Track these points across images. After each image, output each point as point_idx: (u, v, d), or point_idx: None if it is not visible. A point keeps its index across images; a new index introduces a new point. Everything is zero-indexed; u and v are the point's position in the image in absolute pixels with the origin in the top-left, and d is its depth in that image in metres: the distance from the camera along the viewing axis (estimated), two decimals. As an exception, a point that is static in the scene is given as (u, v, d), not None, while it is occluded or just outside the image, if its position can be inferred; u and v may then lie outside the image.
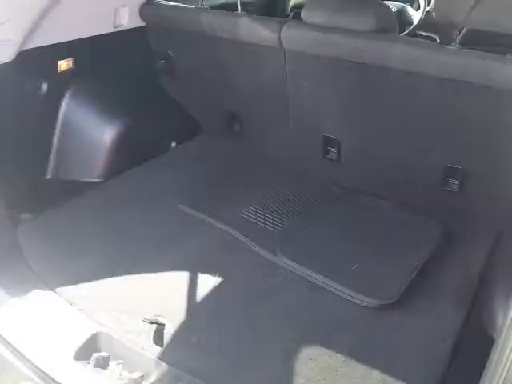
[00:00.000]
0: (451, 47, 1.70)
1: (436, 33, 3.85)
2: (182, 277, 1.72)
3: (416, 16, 3.88)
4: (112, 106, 2.29)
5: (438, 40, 3.72)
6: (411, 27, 3.79)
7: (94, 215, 2.02)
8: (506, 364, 0.89)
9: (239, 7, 2.11)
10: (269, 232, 1.95)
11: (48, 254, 1.79)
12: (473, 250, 1.90)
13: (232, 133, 2.58)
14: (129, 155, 2.31)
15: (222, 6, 2.42)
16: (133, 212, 2.04)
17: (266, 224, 1.99)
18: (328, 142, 2.27)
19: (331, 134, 2.22)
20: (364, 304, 1.61)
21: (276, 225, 1.99)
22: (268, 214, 2.06)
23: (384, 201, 2.15)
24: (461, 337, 1.51)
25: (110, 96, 2.30)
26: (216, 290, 1.67)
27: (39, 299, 1.60)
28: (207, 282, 1.70)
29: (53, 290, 1.62)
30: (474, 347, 1.46)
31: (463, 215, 2.03)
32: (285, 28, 1.97)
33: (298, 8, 3.11)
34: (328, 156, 2.31)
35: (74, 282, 1.66)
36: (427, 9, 4.01)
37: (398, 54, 1.78)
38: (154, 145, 2.48)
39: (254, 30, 2.04)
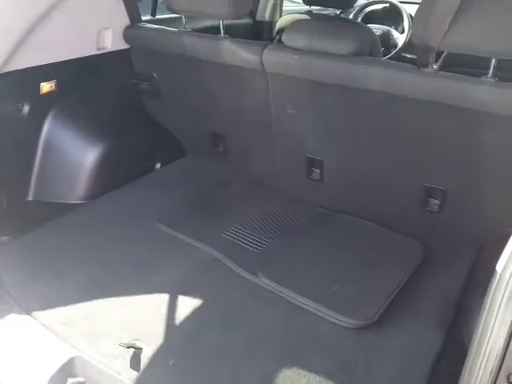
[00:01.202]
0: (428, 70, 1.73)
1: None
2: (161, 299, 1.71)
3: (400, 39, 3.96)
4: (95, 127, 2.29)
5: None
6: (396, 50, 3.87)
7: (74, 237, 2.01)
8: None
9: (221, 30, 2.13)
10: (251, 253, 1.95)
11: (25, 276, 1.77)
12: (453, 269, 1.90)
13: (216, 154, 2.59)
14: (111, 177, 2.31)
15: (205, 30, 2.44)
16: (113, 234, 2.03)
17: (248, 244, 1.99)
18: (311, 163, 2.28)
19: (314, 154, 2.24)
20: (343, 324, 1.60)
21: (258, 245, 1.99)
22: (250, 234, 2.06)
23: (366, 221, 2.16)
24: (440, 356, 1.51)
25: (93, 118, 2.30)
26: (195, 313, 1.65)
27: (15, 323, 1.57)
28: (186, 305, 1.68)
29: (29, 314, 1.60)
30: (453, 366, 1.46)
31: (444, 234, 2.04)
32: (266, 51, 1.99)
33: (283, 31, 3.15)
34: (311, 176, 2.32)
35: (51, 306, 1.63)
36: (412, 31, 4.09)
37: (376, 76, 1.80)
38: (137, 166, 2.48)
39: (236, 53, 2.06)
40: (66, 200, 2.21)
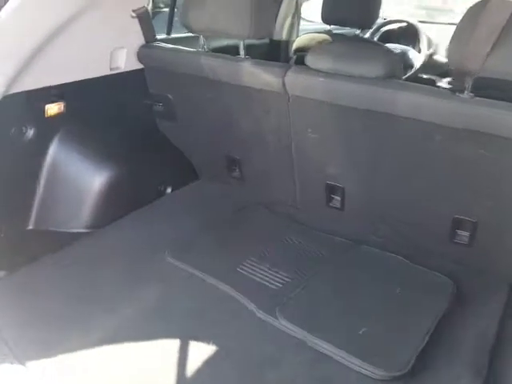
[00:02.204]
0: (463, 95, 1.61)
1: (438, 75, 3.85)
2: (170, 348, 1.54)
3: (418, 59, 3.87)
4: (104, 151, 2.18)
5: (443, 85, 3.73)
6: (413, 70, 3.78)
7: (77, 272, 1.86)
8: None
9: (241, 51, 2.02)
10: (268, 290, 1.81)
11: (22, 319, 1.62)
12: (486, 309, 1.76)
13: (231, 179, 2.47)
14: (119, 203, 2.19)
15: (222, 49, 2.34)
16: (119, 269, 1.89)
17: (266, 280, 1.85)
18: (331, 190, 2.16)
19: (335, 181, 2.12)
20: (373, 376, 1.46)
21: (276, 281, 1.85)
22: (268, 268, 1.92)
23: (390, 253, 2.02)
24: None
25: (103, 141, 2.19)
26: (209, 364, 1.50)
27: (8, 375, 1.43)
28: (199, 354, 1.53)
29: (23, 365, 1.46)
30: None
31: (474, 269, 1.90)
32: (289, 73, 1.89)
33: (301, 51, 3.05)
34: (331, 204, 2.20)
35: (49, 355, 1.49)
36: (429, 52, 4.01)
37: (406, 101, 1.69)
38: (147, 190, 2.36)
39: (257, 75, 1.95)
40: (70, 229, 2.09)
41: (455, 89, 1.63)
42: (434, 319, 1.66)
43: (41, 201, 2.05)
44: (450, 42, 1.60)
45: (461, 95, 1.62)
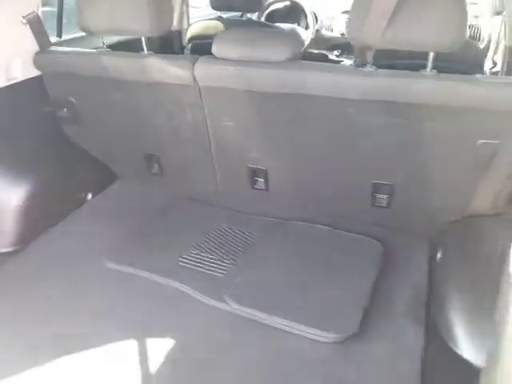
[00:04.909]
0: (367, 69, 1.73)
1: (326, 49, 4.03)
2: (123, 351, 1.55)
3: (306, 35, 4.02)
4: (13, 165, 2.08)
5: (333, 57, 3.90)
6: (304, 46, 3.91)
7: (8, 292, 1.79)
8: None
9: (144, 47, 2.00)
10: (213, 278, 1.85)
11: None
12: (414, 264, 1.93)
13: (151, 176, 2.45)
14: (42, 217, 2.10)
15: (120, 45, 2.29)
16: (55, 281, 1.83)
17: (209, 269, 1.89)
18: (254, 173, 2.23)
19: (257, 164, 2.18)
20: (326, 340, 1.56)
21: (218, 269, 1.90)
22: (208, 257, 1.96)
23: (319, 225, 2.14)
24: (426, 352, 1.52)
25: (10, 156, 2.08)
26: (168, 359, 1.52)
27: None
28: (156, 352, 1.54)
29: None
30: (440, 361, 1.47)
31: (396, 229, 2.07)
32: (197, 65, 1.90)
33: (195, 39, 3.06)
34: (256, 186, 2.27)
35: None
36: (316, 27, 4.18)
37: (315, 80, 1.77)
38: (68, 199, 2.28)
39: (165, 70, 1.94)
40: None
41: (358, 63, 1.75)
42: (370, 279, 1.80)
43: None
44: (349, 19, 1.71)
45: (364, 69, 1.73)
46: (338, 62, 3.80)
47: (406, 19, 1.57)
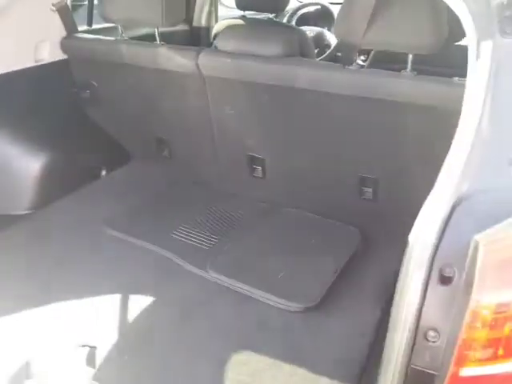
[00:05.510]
0: (352, 67, 1.86)
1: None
2: (113, 300, 1.76)
3: (334, 39, 4.14)
4: (36, 138, 2.31)
5: (360, 62, 4.00)
6: (330, 50, 4.04)
7: (22, 248, 2.02)
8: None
9: (157, 37, 2.20)
10: (200, 250, 2.03)
11: None
12: (389, 252, 2.04)
13: (161, 158, 2.65)
14: (57, 185, 2.32)
15: (142, 37, 2.50)
16: (61, 242, 2.06)
17: (197, 242, 2.07)
18: (253, 161, 2.38)
19: (255, 152, 2.34)
20: (289, 309, 1.71)
21: (207, 243, 2.07)
22: (199, 232, 2.14)
23: (307, 212, 2.28)
24: (379, 328, 1.64)
25: (34, 129, 2.31)
26: (147, 310, 1.72)
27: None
28: (138, 304, 1.75)
29: None
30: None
31: (379, 220, 2.18)
32: (201, 55, 2.08)
33: (220, 35, 3.24)
34: (254, 174, 2.43)
35: (2, 309, 1.66)
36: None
37: (304, 75, 1.92)
38: (83, 174, 2.50)
39: (173, 59, 2.14)
40: (12, 211, 2.21)
41: (344, 61, 1.88)
42: (341, 262, 1.93)
43: None
44: (336, 19, 1.85)
45: (350, 67, 1.87)
46: (363, 66, 3.90)
47: (385, 21, 1.69)
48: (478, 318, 0.86)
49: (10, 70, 2.18)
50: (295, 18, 4.54)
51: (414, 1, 1.69)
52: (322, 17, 4.46)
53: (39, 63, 2.33)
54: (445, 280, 0.94)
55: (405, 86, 1.78)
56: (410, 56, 1.77)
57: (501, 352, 0.87)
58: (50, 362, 1.49)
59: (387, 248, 2.07)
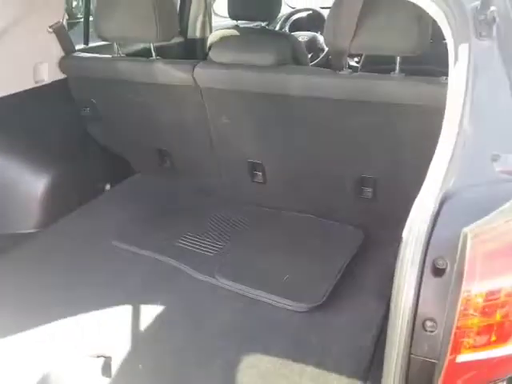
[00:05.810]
0: (342, 72, 1.92)
1: (348, 56, 4.18)
2: (125, 310, 1.81)
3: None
4: (40, 157, 2.36)
5: (353, 64, 4.05)
6: (323, 54, 4.10)
7: (32, 265, 2.07)
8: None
9: (153, 52, 2.26)
10: (206, 257, 2.08)
11: None
12: (389, 250, 2.09)
13: (163, 169, 2.71)
14: (63, 202, 2.38)
15: (138, 53, 2.57)
16: (70, 258, 2.11)
17: (203, 250, 2.13)
18: (253, 167, 2.44)
19: (255, 159, 2.40)
20: (296, 309, 1.76)
21: (212, 249, 2.13)
22: (203, 240, 2.19)
23: (308, 214, 2.33)
24: (383, 323, 1.68)
25: (37, 148, 2.37)
26: (158, 319, 1.77)
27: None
28: (149, 313, 1.79)
29: None
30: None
31: (379, 219, 2.23)
32: (197, 68, 2.14)
33: (214, 46, 3.29)
34: (255, 180, 2.48)
35: (15, 325, 1.71)
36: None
37: (296, 83, 1.98)
38: (87, 189, 2.56)
39: (169, 73, 2.19)
40: (19, 230, 2.27)
41: (335, 67, 1.94)
42: (344, 262, 1.98)
43: None
44: (325, 26, 1.91)
45: (341, 72, 1.92)
46: (356, 69, 3.96)
47: (371, 26, 1.75)
48: (470, 306, 0.90)
49: (10, 92, 2.25)
50: (288, 23, 4.60)
51: (397, 5, 1.74)
52: (315, 21, 4.51)
53: (39, 84, 2.39)
54: (438, 272, 0.98)
55: (394, 88, 1.84)
56: (398, 58, 1.82)
57: (493, 338, 0.92)
58: (66, 374, 1.54)
59: (388, 246, 2.11)
